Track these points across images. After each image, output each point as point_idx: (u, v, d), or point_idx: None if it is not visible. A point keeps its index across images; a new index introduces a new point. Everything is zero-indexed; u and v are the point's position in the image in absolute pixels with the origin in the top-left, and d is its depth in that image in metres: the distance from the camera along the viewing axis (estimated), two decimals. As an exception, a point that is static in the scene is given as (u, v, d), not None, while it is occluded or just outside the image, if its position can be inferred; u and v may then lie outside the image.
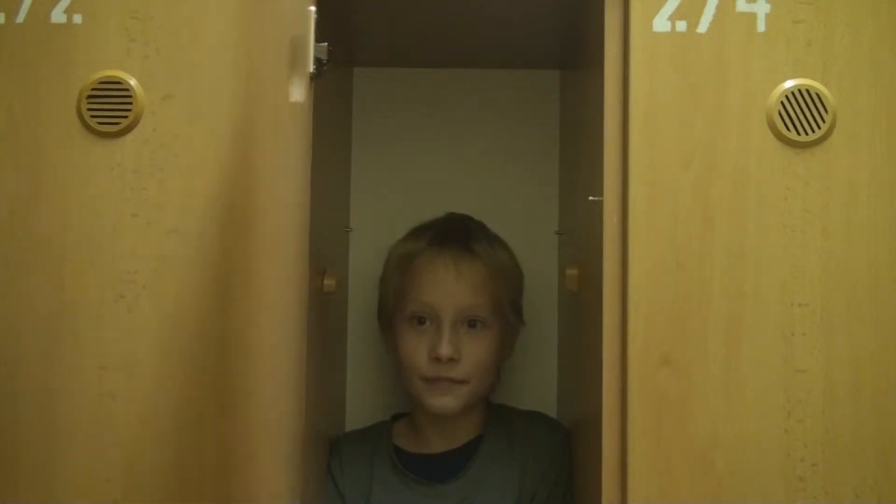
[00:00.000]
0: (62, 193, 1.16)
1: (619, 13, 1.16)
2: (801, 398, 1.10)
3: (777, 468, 1.09)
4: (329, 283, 1.35)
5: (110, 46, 1.17)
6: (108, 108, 1.16)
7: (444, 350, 1.45)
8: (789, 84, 1.13)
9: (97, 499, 1.12)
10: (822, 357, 1.11)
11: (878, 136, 1.13)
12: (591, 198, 1.22)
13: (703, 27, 1.14)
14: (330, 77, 1.17)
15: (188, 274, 1.14)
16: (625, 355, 1.11)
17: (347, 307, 1.75)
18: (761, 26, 1.14)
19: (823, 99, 1.13)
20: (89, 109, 1.16)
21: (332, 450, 1.53)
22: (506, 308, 1.54)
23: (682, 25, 1.13)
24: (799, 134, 1.12)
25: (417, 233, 1.58)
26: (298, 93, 0.97)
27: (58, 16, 1.17)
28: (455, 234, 1.55)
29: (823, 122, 1.12)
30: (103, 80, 1.16)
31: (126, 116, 1.16)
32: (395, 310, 1.55)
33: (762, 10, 1.14)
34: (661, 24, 1.13)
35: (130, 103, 1.16)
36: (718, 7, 1.14)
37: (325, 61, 1.05)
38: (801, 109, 1.12)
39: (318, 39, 1.04)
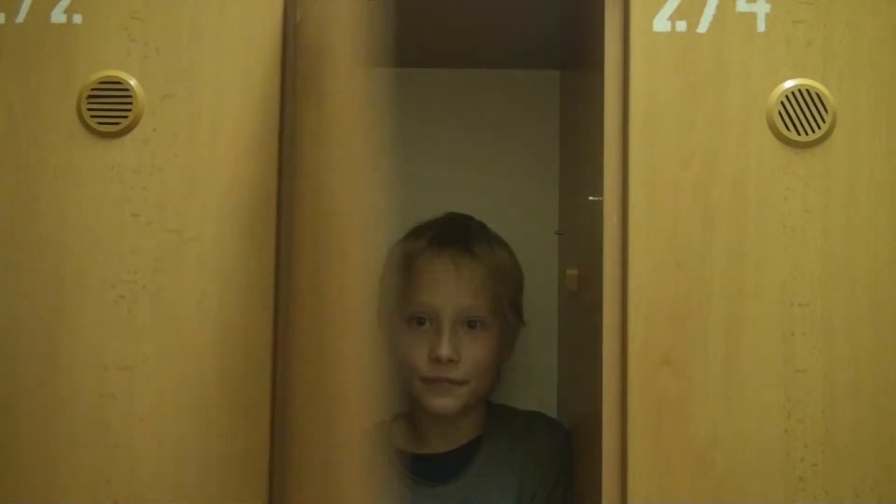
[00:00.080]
0: (62, 193, 1.16)
1: (619, 13, 1.16)
2: (801, 398, 1.10)
3: (777, 468, 1.09)
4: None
5: (110, 46, 1.17)
6: (108, 108, 1.16)
7: (444, 351, 1.45)
8: (789, 84, 1.13)
9: (97, 499, 1.12)
10: (822, 357, 1.11)
11: (878, 136, 1.13)
12: (591, 198, 1.22)
13: (703, 27, 1.14)
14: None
15: (188, 274, 1.14)
16: (625, 355, 1.11)
17: (347, 307, 1.75)
18: (761, 26, 1.14)
19: (823, 99, 1.13)
20: (89, 109, 1.16)
21: (332, 450, 1.53)
22: (506, 308, 1.54)
23: (682, 25, 1.14)
24: (799, 134, 1.12)
25: (417, 233, 1.58)
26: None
27: (58, 16, 1.17)
28: (455, 234, 1.55)
29: (823, 122, 1.12)
30: (103, 80, 1.16)
31: (126, 116, 1.16)
32: (394, 310, 1.55)
33: (762, 10, 1.14)
34: (661, 24, 1.13)
35: (130, 103, 1.16)
36: (718, 7, 1.14)
37: None
38: (801, 109, 1.12)
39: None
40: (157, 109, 1.16)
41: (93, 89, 1.16)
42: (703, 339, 1.11)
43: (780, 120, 1.12)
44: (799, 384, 1.10)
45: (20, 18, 1.17)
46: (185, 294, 1.14)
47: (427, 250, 1.53)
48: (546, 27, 1.56)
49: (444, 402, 1.48)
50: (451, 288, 1.49)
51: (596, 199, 1.18)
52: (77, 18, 1.17)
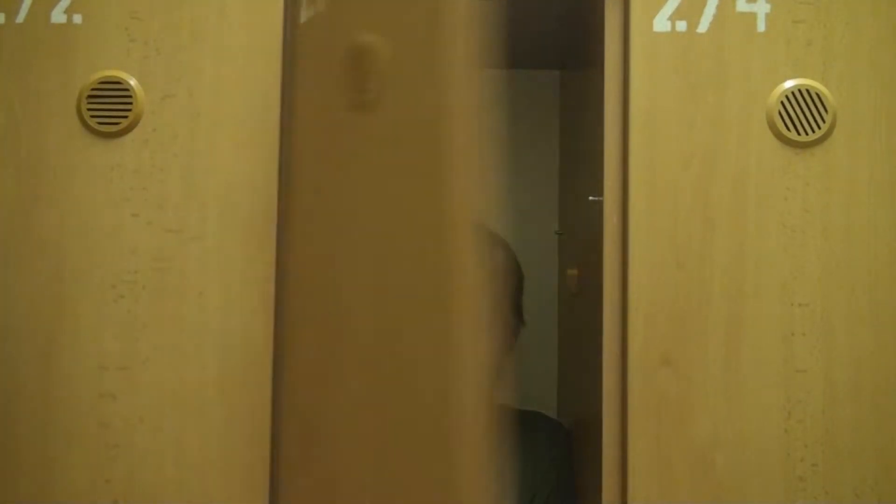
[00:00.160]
0: (62, 193, 1.16)
1: (619, 13, 1.16)
2: (801, 398, 1.10)
3: (777, 468, 1.09)
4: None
5: (110, 46, 1.17)
6: (108, 108, 1.16)
7: (444, 350, 1.45)
8: (789, 84, 1.13)
9: (97, 499, 1.12)
10: (822, 357, 1.11)
11: (878, 136, 1.13)
12: (591, 198, 1.22)
13: (703, 27, 1.14)
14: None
15: (188, 274, 1.14)
16: (625, 355, 1.11)
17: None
18: (761, 26, 1.14)
19: (823, 99, 1.13)
20: (89, 109, 1.16)
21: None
22: (505, 308, 1.54)
23: (682, 25, 1.14)
24: (799, 134, 1.12)
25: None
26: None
27: (58, 16, 1.17)
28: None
29: (823, 122, 1.12)
30: (103, 80, 1.16)
31: (126, 116, 1.16)
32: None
33: (762, 10, 1.14)
34: (661, 24, 1.13)
35: (130, 103, 1.16)
36: (718, 7, 1.14)
37: None
38: (802, 109, 1.12)
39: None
40: (157, 109, 1.16)
41: (93, 89, 1.16)
42: (703, 339, 1.11)
43: (780, 120, 1.12)
44: (799, 384, 1.10)
45: (20, 18, 1.17)
46: (185, 294, 1.14)
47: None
48: (546, 27, 1.56)
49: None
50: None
51: (596, 199, 1.18)
52: (77, 18, 1.17)
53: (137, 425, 1.13)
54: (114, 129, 1.16)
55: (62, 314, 1.14)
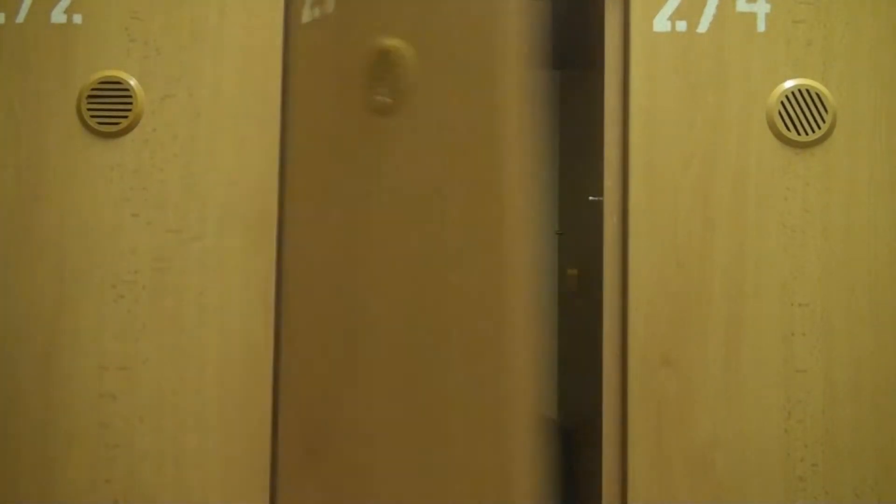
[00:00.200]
0: (62, 193, 1.16)
1: (619, 13, 1.16)
2: (801, 398, 1.10)
3: (777, 468, 1.09)
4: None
5: (110, 46, 1.17)
6: (108, 108, 1.16)
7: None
8: (789, 84, 1.13)
9: (97, 499, 1.12)
10: (822, 357, 1.11)
11: (878, 136, 1.13)
12: (591, 198, 1.22)
13: (703, 27, 1.14)
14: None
15: (188, 274, 1.14)
16: (625, 355, 1.11)
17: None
18: (761, 26, 1.14)
19: (823, 99, 1.13)
20: (89, 109, 1.16)
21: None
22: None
23: (682, 25, 1.14)
24: (799, 134, 1.12)
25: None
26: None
27: (58, 16, 1.17)
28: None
29: (823, 122, 1.12)
30: (103, 80, 1.16)
31: (126, 116, 1.16)
32: None
33: (762, 10, 1.14)
34: (661, 24, 1.13)
35: (130, 103, 1.16)
36: (718, 7, 1.14)
37: None
38: (802, 109, 1.12)
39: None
40: (157, 109, 1.16)
41: (93, 89, 1.16)
42: (703, 339, 1.11)
43: (780, 120, 1.12)
44: (799, 384, 1.10)
45: (20, 18, 1.17)
46: (185, 294, 1.14)
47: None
48: (546, 27, 1.56)
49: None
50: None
51: (596, 199, 1.18)
52: (77, 18, 1.17)
53: (137, 425, 1.13)
54: (114, 129, 1.16)
55: (62, 314, 1.14)
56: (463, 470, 0.92)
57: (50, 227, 1.15)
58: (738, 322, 1.11)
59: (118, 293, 1.15)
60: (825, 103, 1.12)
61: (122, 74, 1.17)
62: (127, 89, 1.16)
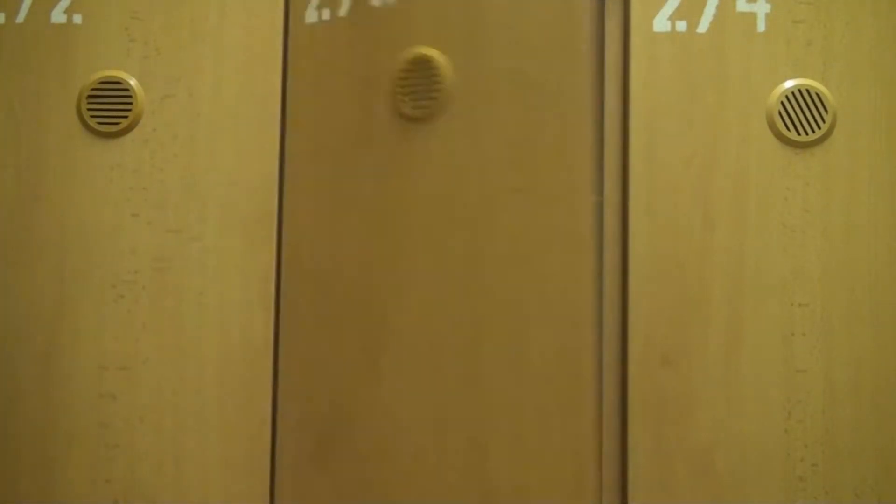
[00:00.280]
0: (62, 193, 1.16)
1: (619, 13, 1.16)
2: (801, 398, 1.10)
3: (777, 468, 1.09)
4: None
5: (110, 46, 1.17)
6: (108, 108, 1.16)
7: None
8: (789, 84, 1.13)
9: (97, 499, 1.12)
10: (822, 357, 1.11)
11: (878, 136, 1.13)
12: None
13: (703, 27, 1.14)
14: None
15: (188, 274, 1.14)
16: (625, 355, 1.11)
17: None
18: (761, 26, 1.14)
19: (823, 99, 1.13)
20: (89, 109, 1.16)
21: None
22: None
23: (682, 25, 1.14)
24: (799, 134, 1.12)
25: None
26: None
27: (58, 16, 1.17)
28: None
29: (823, 122, 1.12)
30: (103, 80, 1.16)
31: (126, 116, 1.16)
32: None
33: (762, 10, 1.14)
34: (661, 24, 1.13)
35: (130, 103, 1.16)
36: (718, 7, 1.14)
37: None
38: (802, 109, 1.12)
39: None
40: (157, 109, 1.16)
41: (93, 89, 1.16)
42: (703, 339, 1.11)
43: (780, 120, 1.12)
44: (799, 384, 1.10)
45: (20, 18, 1.17)
46: (185, 294, 1.14)
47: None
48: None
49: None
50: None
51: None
52: (77, 18, 1.17)
53: (137, 425, 1.13)
54: (114, 129, 1.16)
55: (62, 314, 1.14)
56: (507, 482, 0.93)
57: (50, 227, 1.15)
58: (738, 322, 1.11)
59: (118, 293, 1.15)
60: (825, 103, 1.12)
61: (122, 74, 1.17)
62: (127, 89, 1.16)
